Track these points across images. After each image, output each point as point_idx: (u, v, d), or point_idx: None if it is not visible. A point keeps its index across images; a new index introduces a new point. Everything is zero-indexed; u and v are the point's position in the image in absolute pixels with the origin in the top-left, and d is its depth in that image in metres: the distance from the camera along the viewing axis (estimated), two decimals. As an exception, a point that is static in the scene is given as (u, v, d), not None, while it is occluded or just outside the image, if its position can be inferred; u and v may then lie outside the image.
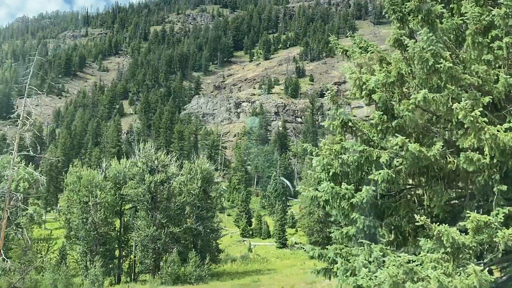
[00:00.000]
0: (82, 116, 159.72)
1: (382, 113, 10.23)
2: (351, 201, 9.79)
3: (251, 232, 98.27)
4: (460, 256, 8.07)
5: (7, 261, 23.28)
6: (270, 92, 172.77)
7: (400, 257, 8.08)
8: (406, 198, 9.72)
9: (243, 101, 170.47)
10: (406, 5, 11.08)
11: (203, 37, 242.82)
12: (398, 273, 7.88)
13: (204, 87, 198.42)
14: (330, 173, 10.76)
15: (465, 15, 9.85)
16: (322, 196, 10.67)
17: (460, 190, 9.52)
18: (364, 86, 10.63)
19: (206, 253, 65.25)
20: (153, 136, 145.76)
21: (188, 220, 67.79)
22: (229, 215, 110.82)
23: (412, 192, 9.82)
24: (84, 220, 66.50)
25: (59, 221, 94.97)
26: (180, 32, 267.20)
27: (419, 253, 8.48)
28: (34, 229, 75.64)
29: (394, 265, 8.04)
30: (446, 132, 9.96)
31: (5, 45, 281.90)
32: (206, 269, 59.91)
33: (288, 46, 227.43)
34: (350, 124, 11.20)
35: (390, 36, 10.85)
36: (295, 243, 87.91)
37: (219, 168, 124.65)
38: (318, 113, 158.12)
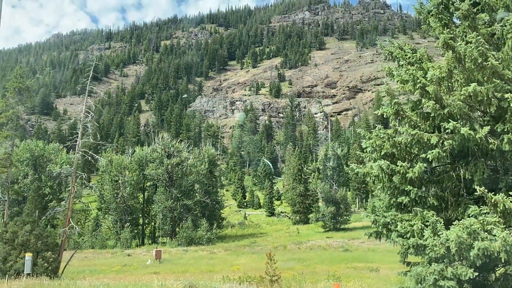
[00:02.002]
0: (108, 113, 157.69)
1: (434, 102, 9.66)
2: (406, 176, 9.24)
3: (245, 204, 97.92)
4: (510, 219, 7.63)
5: (75, 227, 22.56)
6: (258, 93, 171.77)
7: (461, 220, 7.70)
8: (449, 173, 9.20)
9: (237, 100, 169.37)
10: (453, 14, 10.52)
11: (204, 50, 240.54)
12: (463, 233, 7.41)
13: (205, 89, 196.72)
14: (382, 153, 10.17)
15: (506, 22, 9.36)
16: (373, 172, 10.05)
17: (495, 166, 9.02)
18: (418, 81, 10.02)
19: (213, 221, 64.93)
20: (166, 128, 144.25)
21: (197, 194, 67.38)
22: (227, 190, 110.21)
23: (454, 168, 9.29)
24: (115, 195, 65.83)
25: (93, 196, 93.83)
26: (185, 46, 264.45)
27: (461, 219, 8.05)
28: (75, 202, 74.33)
29: (460, 227, 7.56)
30: (481, 118, 9.45)
31: (44, 56, 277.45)
32: (214, 233, 59.57)
33: (271, 57, 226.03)
34: (401, 112, 10.61)
35: (440, 39, 10.24)
36: (281, 212, 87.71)
37: (219, 153, 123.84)
38: (296, 109, 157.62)
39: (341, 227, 65.40)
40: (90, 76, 24.54)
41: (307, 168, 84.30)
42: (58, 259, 18.51)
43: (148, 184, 71.98)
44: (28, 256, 14.79)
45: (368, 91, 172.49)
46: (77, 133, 26.26)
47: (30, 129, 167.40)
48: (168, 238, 63.64)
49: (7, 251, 16.31)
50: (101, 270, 28.24)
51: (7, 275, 16.32)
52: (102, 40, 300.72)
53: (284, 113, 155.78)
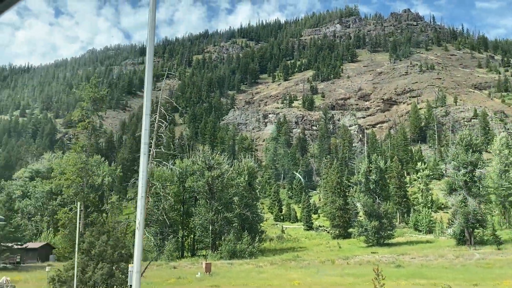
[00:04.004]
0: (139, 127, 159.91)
1: None
2: None
3: (282, 217, 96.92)
4: None
5: (149, 237, 22.44)
6: (291, 106, 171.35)
7: None
8: None
9: (269, 113, 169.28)
10: None
11: (235, 63, 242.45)
12: None
13: (238, 102, 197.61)
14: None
15: None
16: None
17: None
18: None
19: (253, 234, 64.29)
20: (200, 141, 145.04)
21: (237, 207, 66.95)
22: (262, 203, 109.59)
23: None
24: (156, 207, 66.11)
25: (131, 207, 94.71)
26: (217, 60, 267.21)
27: None
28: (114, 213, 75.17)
29: None
30: None
31: (80, 71, 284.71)
32: (256, 246, 58.95)
33: (302, 70, 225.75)
34: None
35: None
36: (319, 226, 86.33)
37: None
38: (330, 122, 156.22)
39: (385, 242, 63.68)
40: (161, 91, 24.54)
41: (348, 181, 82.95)
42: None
43: (188, 196, 72.17)
44: (131, 267, 14.56)
45: (404, 103, 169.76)
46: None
47: (68, 142, 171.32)
48: (208, 251, 63.34)
49: (84, 261, 16.19)
50: (156, 282, 28.02)
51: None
52: (136, 55, 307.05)
53: (317, 125, 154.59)
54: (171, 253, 56.72)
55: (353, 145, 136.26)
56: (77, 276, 15.51)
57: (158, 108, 23.90)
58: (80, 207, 52.23)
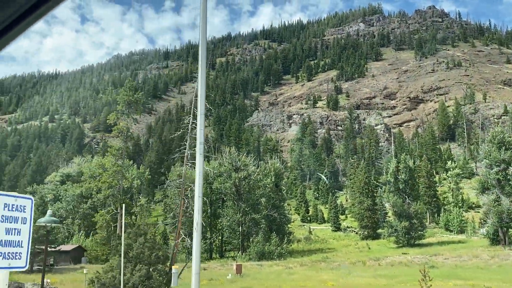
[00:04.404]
0: (169, 129, 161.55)
1: None
2: None
3: (309, 218, 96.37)
4: None
5: (187, 240, 22.56)
6: (315, 106, 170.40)
7: None
8: None
9: (294, 114, 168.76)
10: None
11: (258, 65, 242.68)
12: None
13: (261, 104, 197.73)
14: None
15: None
16: None
17: None
18: None
19: (281, 235, 64.07)
20: (225, 143, 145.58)
21: (264, 208, 66.89)
22: (288, 204, 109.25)
23: None
24: (184, 209, 66.58)
25: (159, 210, 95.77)
26: (240, 62, 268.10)
27: None
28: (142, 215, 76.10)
29: None
30: None
31: (106, 76, 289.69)
32: (285, 248, 58.74)
33: (326, 70, 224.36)
34: None
35: None
36: (347, 227, 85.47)
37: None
38: (355, 121, 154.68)
39: (415, 242, 62.55)
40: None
41: (376, 182, 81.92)
42: (170, 273, 18.49)
43: (214, 198, 72.52)
44: (175, 269, 14.75)
45: (431, 101, 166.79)
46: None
47: (96, 146, 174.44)
48: (236, 252, 63.45)
49: (123, 263, 16.32)
50: (187, 284, 28.09)
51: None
52: (160, 59, 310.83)
53: (343, 125, 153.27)
54: (200, 255, 57.01)
55: (380, 144, 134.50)
56: (116, 278, 15.69)
57: (192, 110, 23.97)
58: (117, 210, 53.07)
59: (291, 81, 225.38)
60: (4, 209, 3.51)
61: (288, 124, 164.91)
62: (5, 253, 3.59)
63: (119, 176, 55.23)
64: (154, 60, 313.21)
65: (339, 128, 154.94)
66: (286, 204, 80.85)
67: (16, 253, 3.65)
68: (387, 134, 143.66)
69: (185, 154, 24.27)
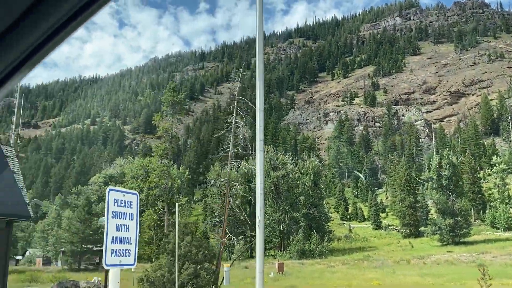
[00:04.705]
0: (207, 129, 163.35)
1: None
2: None
3: (348, 217, 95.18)
4: None
5: (233, 238, 22.80)
6: (352, 103, 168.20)
7: None
8: None
9: (330, 112, 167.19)
10: None
11: (293, 63, 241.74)
12: None
13: (297, 102, 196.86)
14: None
15: None
16: None
17: None
18: None
19: (321, 233, 63.57)
20: (242, 144, 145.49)
21: (303, 206, 66.55)
22: (327, 203, 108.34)
23: None
24: (224, 207, 67.15)
25: (199, 209, 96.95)
26: (275, 61, 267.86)
27: None
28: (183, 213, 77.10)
29: None
30: None
31: (144, 79, 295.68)
32: (325, 246, 58.27)
33: (362, 66, 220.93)
34: None
35: None
36: (388, 225, 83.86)
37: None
38: (394, 118, 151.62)
39: (460, 240, 60.64)
40: (237, 89, 24.74)
41: (418, 178, 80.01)
42: (217, 271, 18.62)
43: (254, 197, 72.83)
44: (227, 267, 14.85)
45: (473, 95, 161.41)
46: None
47: (136, 147, 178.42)
48: (276, 250, 63.40)
49: (171, 262, 16.57)
50: (233, 282, 28.27)
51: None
52: (196, 61, 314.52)
53: (381, 122, 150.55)
54: (241, 253, 57.27)
55: (420, 140, 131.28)
56: (165, 276, 15.94)
57: (235, 109, 24.06)
58: (163, 209, 54.12)
59: (326, 79, 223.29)
60: (114, 205, 3.54)
61: (325, 121, 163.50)
62: (116, 250, 3.62)
63: (166, 175, 56.35)
64: (190, 62, 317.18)
65: (377, 124, 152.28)
66: (325, 202, 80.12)
67: (126, 250, 3.68)
68: (427, 130, 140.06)
69: (229, 153, 24.27)
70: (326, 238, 60.55)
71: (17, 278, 34.96)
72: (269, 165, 67.61)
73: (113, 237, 3.41)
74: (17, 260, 75.23)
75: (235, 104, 23.76)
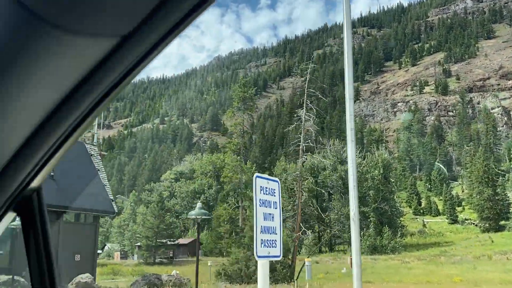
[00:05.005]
0: (271, 124, 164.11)
1: None
2: None
3: (421, 211, 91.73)
4: None
5: (307, 232, 22.91)
6: (422, 92, 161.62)
7: None
8: None
9: (398, 102, 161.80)
10: None
11: (357, 54, 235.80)
12: None
13: (363, 94, 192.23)
14: None
15: None
16: None
17: None
18: None
19: (393, 228, 61.81)
20: (327, 135, 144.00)
21: (373, 201, 64.96)
22: (398, 197, 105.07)
23: None
24: (292, 202, 67.08)
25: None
26: (338, 52, 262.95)
27: None
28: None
29: None
30: None
31: (209, 78, 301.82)
32: (398, 241, 56.67)
33: (431, 52, 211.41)
34: None
35: None
36: (465, 219, 79.87)
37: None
38: (468, 106, 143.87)
39: (548, 235, 56.56)
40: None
41: (498, 170, 75.50)
42: (293, 265, 18.67)
43: (320, 191, 72.01)
44: (308, 261, 15.01)
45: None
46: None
47: (203, 144, 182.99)
48: (346, 245, 62.46)
49: (247, 255, 16.78)
50: (302, 277, 28.10)
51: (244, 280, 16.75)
52: (258, 57, 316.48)
53: (454, 111, 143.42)
54: (310, 248, 57.07)
55: (498, 129, 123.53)
56: (242, 270, 16.16)
57: (304, 102, 23.92)
58: (238, 203, 55.17)
59: (393, 68, 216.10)
60: (260, 192, 3.55)
61: (393, 112, 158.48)
62: (265, 240, 3.60)
63: (239, 170, 57.45)
64: (253, 59, 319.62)
65: (450, 114, 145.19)
66: (396, 196, 77.78)
67: (272, 240, 3.66)
68: (505, 118, 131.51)
69: (300, 146, 24.17)
70: (398, 233, 58.84)
71: (101, 271, 37.04)
72: (336, 159, 66.68)
73: (262, 226, 3.37)
74: (98, 254, 79.81)
75: (305, 97, 23.53)
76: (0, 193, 0.89)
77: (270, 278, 16.71)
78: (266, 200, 3.39)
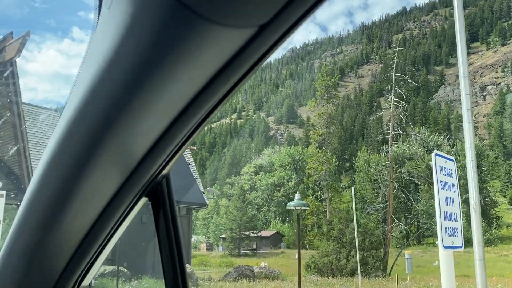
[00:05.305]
0: (349, 114, 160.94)
1: None
2: None
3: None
4: None
5: (401, 224, 22.30)
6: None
7: None
8: None
9: (488, 85, 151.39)
10: None
11: (440, 37, 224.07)
12: None
13: (447, 78, 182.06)
14: None
15: None
16: None
17: None
18: None
19: (486, 220, 58.05)
20: (410, 123, 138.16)
21: (464, 191, 61.42)
22: (491, 186, 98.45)
23: None
24: (375, 194, 65.34)
25: (347, 196, 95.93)
26: (419, 36, 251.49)
27: None
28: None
29: None
30: None
31: (284, 70, 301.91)
32: (494, 233, 53.21)
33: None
34: None
35: None
36: None
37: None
38: None
39: None
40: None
41: None
42: (386, 258, 18.13)
43: (406, 182, 69.28)
44: (408, 254, 14.68)
45: None
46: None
47: (280, 137, 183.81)
48: (436, 238, 59.73)
49: (336, 249, 16.49)
50: (398, 271, 27.17)
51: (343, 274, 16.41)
52: (334, 46, 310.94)
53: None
54: (398, 241, 55.27)
55: None
56: (332, 263, 15.91)
57: (392, 88, 23.02)
58: (323, 195, 54.91)
59: (480, 49, 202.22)
60: (440, 173, 3.26)
61: (482, 96, 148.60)
62: (448, 228, 3.29)
63: (324, 161, 56.98)
64: (328, 48, 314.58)
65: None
66: (489, 185, 72.88)
67: (454, 228, 3.37)
68: None
69: (390, 134, 23.32)
70: (494, 224, 55.17)
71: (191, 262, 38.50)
72: (422, 147, 63.79)
73: (444, 212, 3.10)
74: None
75: (393, 82, 22.59)
76: (137, 181, 0.94)
77: (362, 272, 16.21)
78: (446, 182, 3.08)
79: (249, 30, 0.68)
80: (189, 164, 14.96)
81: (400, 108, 23.53)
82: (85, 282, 1.20)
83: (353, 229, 16.69)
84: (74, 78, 0.89)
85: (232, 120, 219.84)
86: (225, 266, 33.82)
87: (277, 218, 75.86)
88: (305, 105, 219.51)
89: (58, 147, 0.91)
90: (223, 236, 65.08)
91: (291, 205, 15.75)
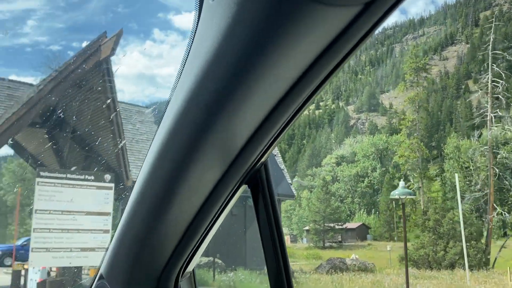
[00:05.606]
0: (435, 99, 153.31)
1: None
2: None
3: None
4: None
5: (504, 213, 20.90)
6: None
7: None
8: None
9: None
10: None
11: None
12: None
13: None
14: None
15: None
16: None
17: None
18: None
19: None
20: (503, 106, 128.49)
21: None
22: None
23: None
24: (467, 182, 61.71)
25: (437, 185, 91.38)
26: (509, 11, 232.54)
27: None
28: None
29: None
30: None
31: (362, 57, 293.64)
32: None
33: None
34: None
35: None
36: None
37: None
38: None
39: None
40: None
41: None
42: (487, 249, 17.06)
43: (502, 169, 64.62)
44: None
45: None
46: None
47: (361, 126, 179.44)
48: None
49: (433, 240, 15.71)
50: (499, 263, 25.45)
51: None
52: (415, 28, 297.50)
53: None
54: (498, 231, 52.06)
55: None
56: (429, 255, 15.17)
57: (489, 66, 21.46)
58: (419, 184, 53.15)
59: None
60: None
61: None
62: None
63: (416, 148, 54.81)
64: (409, 31, 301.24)
65: None
66: None
67: None
68: None
69: (488, 117, 21.80)
70: None
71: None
72: (520, 131, 58.98)
73: None
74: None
75: (489, 61, 21.01)
76: (238, 169, 0.97)
77: (461, 264, 15.28)
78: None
79: (355, 9, 0.66)
80: (275, 155, 14.96)
81: (499, 87, 21.75)
82: (189, 267, 1.26)
83: (451, 219, 15.79)
84: (178, 71, 0.91)
85: (310, 111, 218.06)
86: (312, 258, 33.68)
87: (362, 210, 74.24)
88: (387, 92, 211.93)
89: (164, 142, 0.95)
90: (307, 228, 64.89)
91: (395, 194, 14.86)
